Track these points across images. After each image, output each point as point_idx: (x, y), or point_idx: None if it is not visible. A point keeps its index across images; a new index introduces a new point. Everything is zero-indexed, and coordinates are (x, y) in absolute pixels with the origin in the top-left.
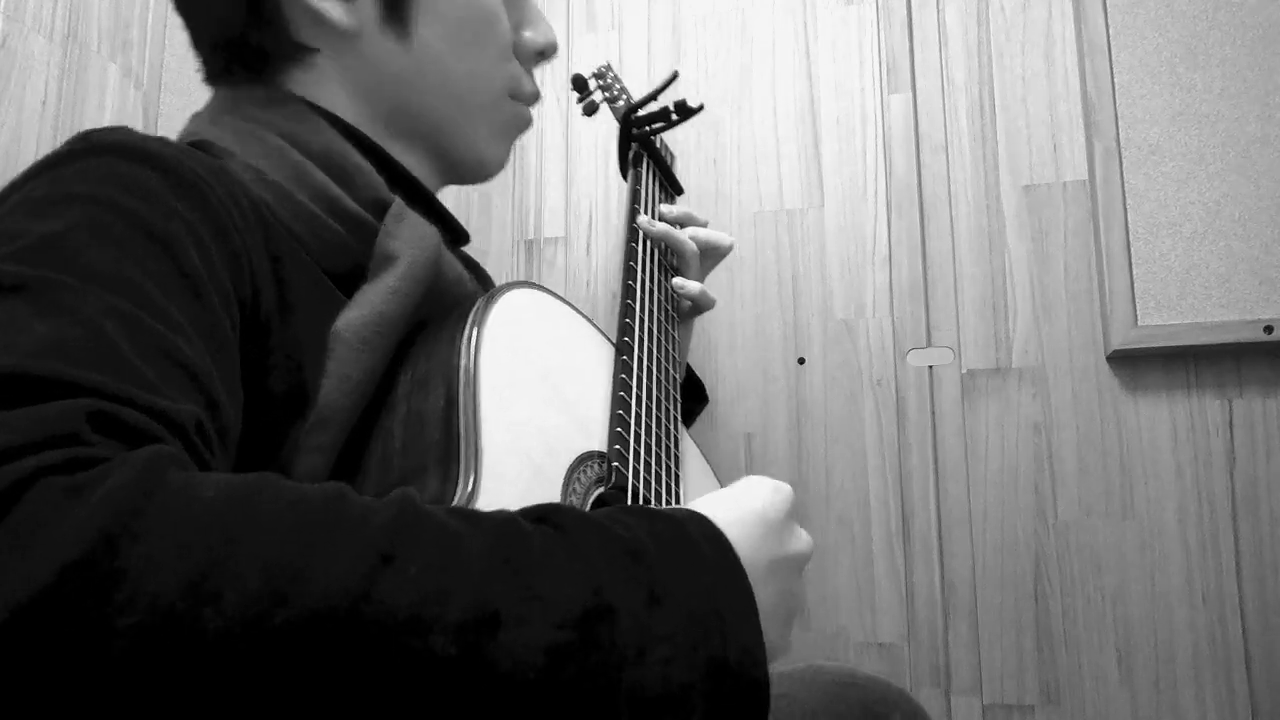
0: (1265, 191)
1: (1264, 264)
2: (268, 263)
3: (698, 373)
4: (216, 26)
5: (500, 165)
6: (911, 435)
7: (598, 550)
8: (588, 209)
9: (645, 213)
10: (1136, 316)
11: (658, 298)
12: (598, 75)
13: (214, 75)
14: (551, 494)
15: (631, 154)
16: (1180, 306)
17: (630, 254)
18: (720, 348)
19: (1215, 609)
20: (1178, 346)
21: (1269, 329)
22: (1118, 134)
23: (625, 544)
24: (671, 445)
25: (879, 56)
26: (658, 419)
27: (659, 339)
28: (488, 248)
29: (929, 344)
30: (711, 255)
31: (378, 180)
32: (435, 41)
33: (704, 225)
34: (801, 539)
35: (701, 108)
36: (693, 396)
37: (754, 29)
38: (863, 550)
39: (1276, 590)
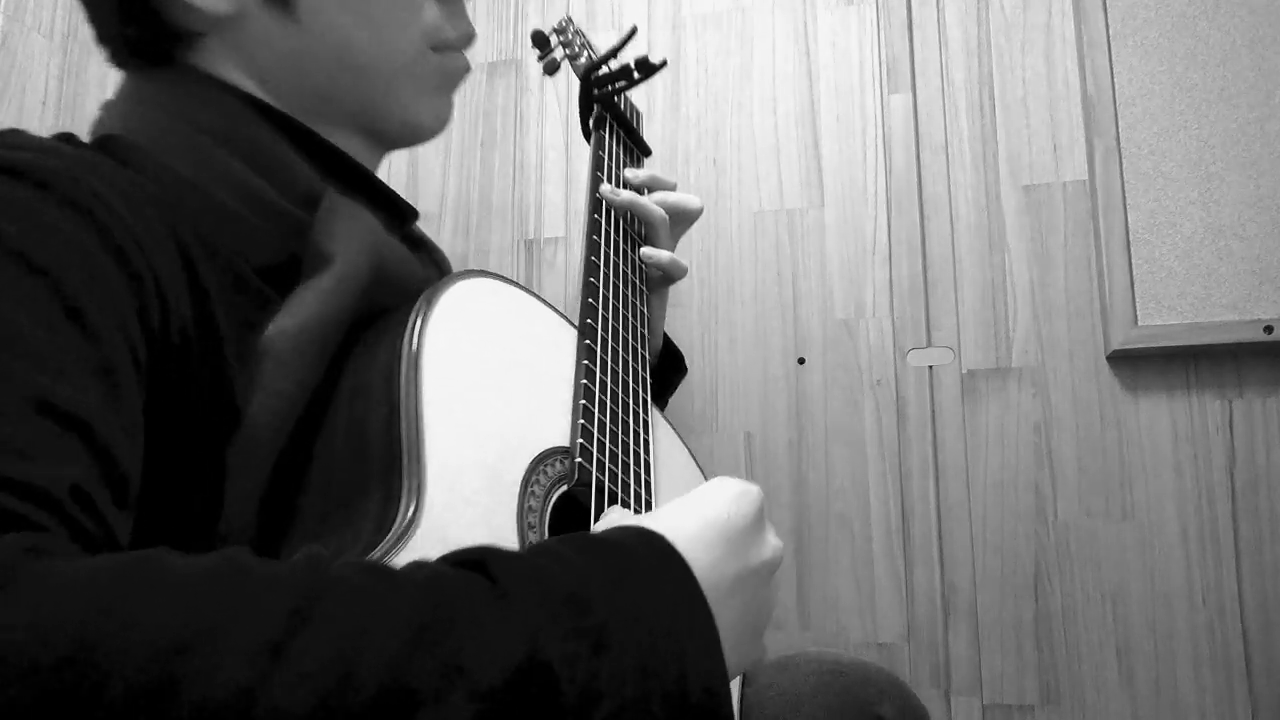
0: (1265, 191)
1: (1264, 264)
2: (181, 276)
3: (694, 369)
4: (95, 17)
5: (441, 122)
6: (911, 435)
7: (534, 601)
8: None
9: (609, 180)
10: (1136, 316)
11: (624, 271)
12: (558, 30)
13: (120, 60)
14: (508, 500)
15: (593, 116)
16: (1180, 306)
17: (593, 226)
18: (720, 347)
19: (1215, 609)
20: (1178, 346)
21: (1269, 329)
22: (1118, 134)
23: (565, 589)
24: (641, 431)
25: (879, 56)
26: (625, 405)
27: (626, 317)
28: (488, 248)
29: (929, 344)
30: (681, 220)
31: (306, 171)
32: (326, 11)
33: (672, 187)
34: (769, 545)
35: (664, 63)
36: (671, 367)
37: (754, 29)
38: (863, 550)
39: (1276, 590)
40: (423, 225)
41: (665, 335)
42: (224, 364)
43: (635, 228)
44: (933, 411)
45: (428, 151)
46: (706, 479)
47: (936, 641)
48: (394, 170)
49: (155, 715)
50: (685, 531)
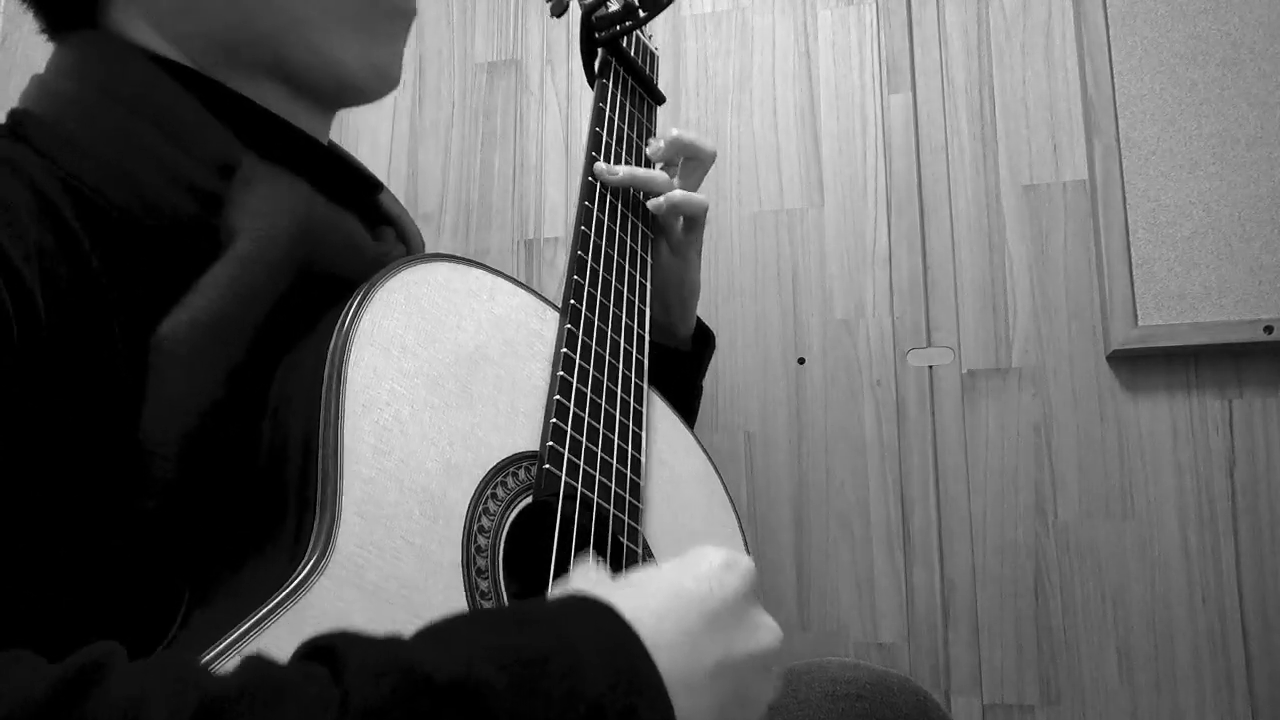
0: (1265, 191)
1: (1264, 264)
2: (63, 268)
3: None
4: None
5: (380, 70)
6: (911, 435)
7: (388, 695)
8: None
9: (609, 135)
10: (1136, 316)
11: (621, 240)
12: None
13: (49, 30)
14: (450, 522)
15: (597, 61)
16: (1180, 306)
17: (587, 190)
18: (720, 347)
19: (1215, 609)
20: (1178, 346)
21: (1269, 329)
22: (1118, 134)
23: (445, 684)
24: (630, 424)
25: (879, 57)
26: (613, 397)
27: (620, 291)
28: (488, 248)
29: (929, 344)
30: (695, 168)
31: (221, 135)
32: None
33: (691, 142)
34: (763, 631)
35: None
36: (701, 340)
37: (754, 29)
38: (863, 550)
39: (1276, 590)
40: (422, 225)
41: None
42: (113, 344)
43: (643, 194)
44: (933, 411)
45: (428, 151)
46: (722, 480)
47: (936, 641)
48: (394, 170)
49: None
50: (648, 607)
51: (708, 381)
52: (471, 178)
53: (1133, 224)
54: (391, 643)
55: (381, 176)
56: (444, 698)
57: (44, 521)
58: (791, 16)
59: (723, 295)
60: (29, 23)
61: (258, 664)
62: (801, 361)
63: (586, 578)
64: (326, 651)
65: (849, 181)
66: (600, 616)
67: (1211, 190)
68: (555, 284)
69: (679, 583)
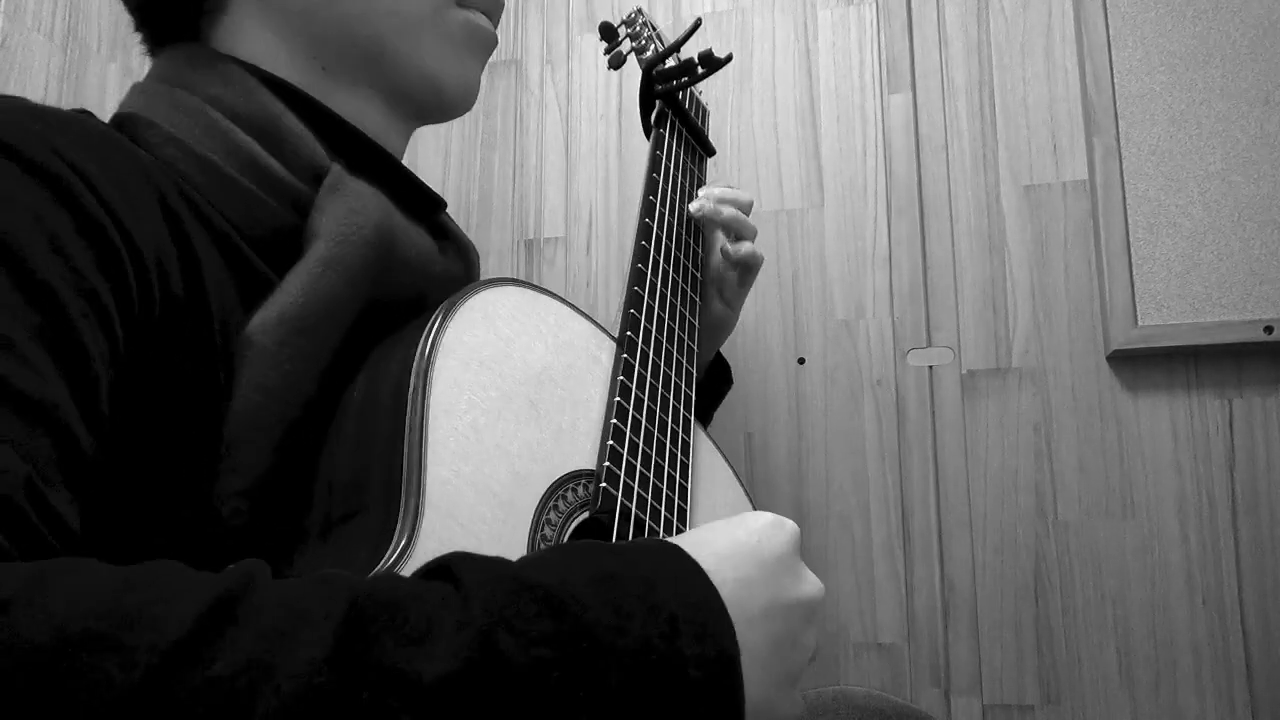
0: (1265, 191)
1: (1264, 264)
2: (170, 249)
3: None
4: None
5: (466, 89)
6: (911, 435)
7: (502, 597)
8: (588, 209)
9: (665, 181)
10: (1136, 316)
11: (674, 280)
12: (627, 23)
13: (151, 44)
14: (518, 527)
15: (655, 113)
16: (1180, 306)
17: (644, 231)
18: (720, 347)
19: (1215, 609)
20: (1178, 346)
21: (1269, 329)
22: (1118, 134)
23: (545, 592)
24: (680, 454)
25: (879, 56)
26: (664, 425)
27: (673, 329)
28: (488, 248)
29: (929, 344)
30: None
31: (313, 145)
32: None
33: (747, 205)
34: (808, 582)
35: (730, 58)
36: (720, 378)
37: (754, 29)
38: (863, 550)
39: (1276, 590)
40: None
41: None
42: (215, 353)
43: (691, 235)
44: (933, 411)
45: (428, 151)
46: (752, 503)
47: (936, 641)
48: None
49: (61, 702)
50: (710, 549)
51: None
52: (471, 178)
53: (1133, 224)
54: (499, 560)
55: None
56: (544, 601)
57: (132, 508)
58: (791, 16)
59: None
60: (29, 23)
61: (390, 574)
62: (801, 362)
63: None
64: (444, 568)
65: (849, 181)
66: (670, 554)
67: (1211, 190)
68: (555, 284)
69: (733, 534)
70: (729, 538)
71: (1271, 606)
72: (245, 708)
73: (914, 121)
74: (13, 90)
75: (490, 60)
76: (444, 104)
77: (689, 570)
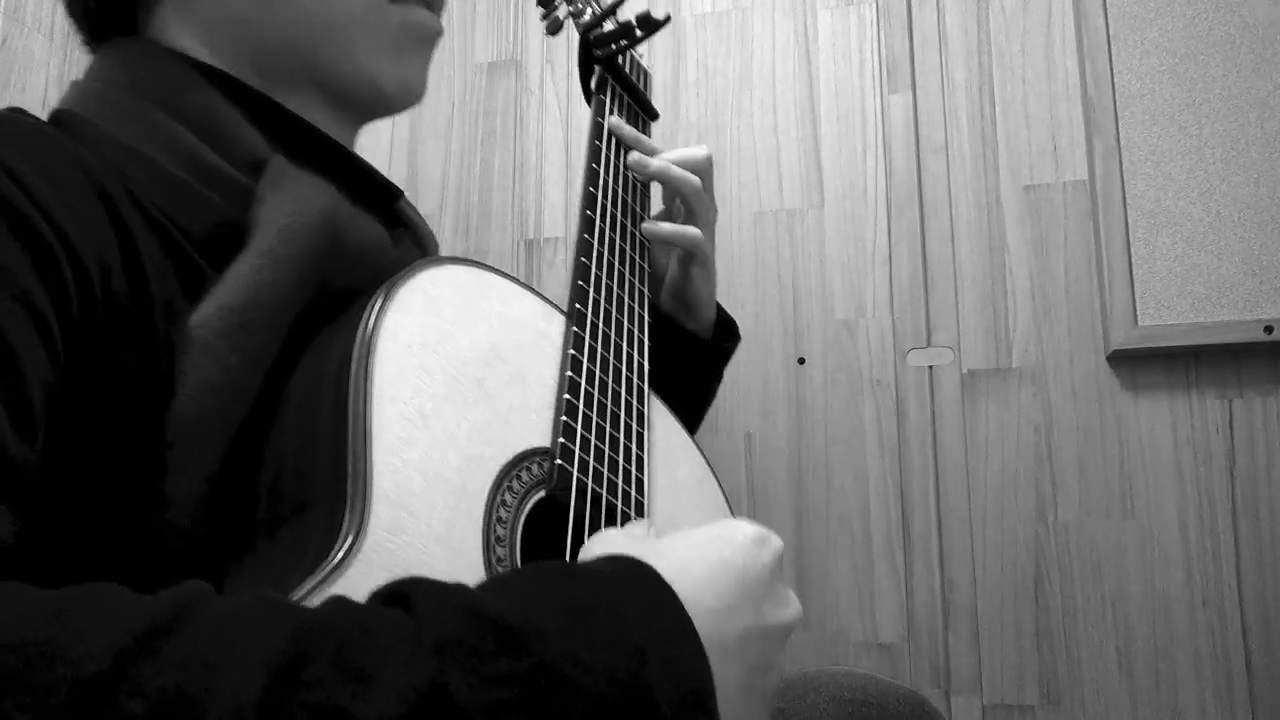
0: (1265, 191)
1: (1264, 264)
2: (112, 244)
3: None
4: None
5: (407, 86)
6: (911, 435)
7: (458, 631)
8: None
9: (609, 148)
10: (1136, 316)
11: (623, 249)
12: None
13: (90, 40)
14: (471, 510)
15: (594, 78)
16: (1180, 306)
17: (588, 200)
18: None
19: (1215, 609)
20: (1178, 346)
21: (1269, 329)
22: (1118, 134)
23: (504, 625)
24: (634, 424)
25: (879, 56)
26: (618, 398)
27: (621, 298)
28: (488, 248)
29: (929, 344)
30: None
31: (252, 136)
32: None
33: (696, 162)
34: (788, 605)
35: (668, 19)
36: (725, 335)
37: (754, 29)
38: (863, 550)
39: (1276, 590)
40: None
41: (718, 304)
42: (157, 348)
43: (638, 201)
44: (933, 411)
45: (428, 151)
46: (716, 478)
47: (936, 641)
48: (394, 170)
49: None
50: (688, 571)
51: None
52: (472, 178)
53: (1133, 224)
54: (461, 588)
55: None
56: (504, 636)
57: (75, 513)
58: (791, 16)
59: (723, 295)
60: (29, 23)
61: (340, 601)
62: (801, 362)
63: (611, 543)
64: (402, 596)
65: (849, 181)
66: (643, 578)
67: (1211, 190)
68: (556, 283)
69: (717, 552)
70: (711, 558)
71: (1271, 606)
72: None
73: (914, 121)
74: (13, 90)
75: (490, 60)
76: (386, 103)
77: (661, 599)
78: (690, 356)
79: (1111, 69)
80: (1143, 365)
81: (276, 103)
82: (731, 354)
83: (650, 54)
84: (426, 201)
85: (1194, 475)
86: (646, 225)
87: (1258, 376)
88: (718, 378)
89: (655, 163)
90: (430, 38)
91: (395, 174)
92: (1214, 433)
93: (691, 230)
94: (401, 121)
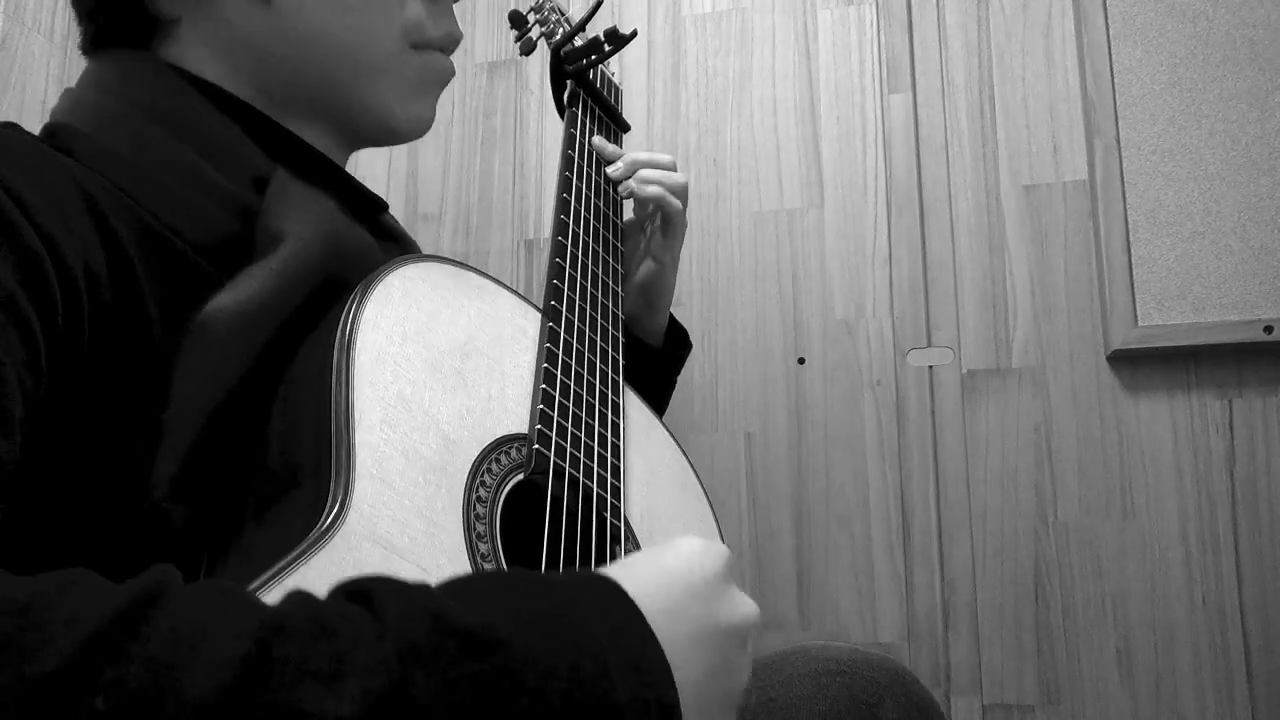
0: (1265, 191)
1: (1264, 264)
2: (99, 254)
3: (694, 369)
4: (77, 2)
5: (419, 124)
6: (911, 435)
7: (422, 634)
8: None
9: (581, 158)
10: (1136, 316)
11: (595, 250)
12: (535, 9)
13: (88, 45)
14: (451, 490)
15: (566, 93)
16: (1180, 306)
17: (562, 205)
18: (720, 348)
19: (1215, 609)
20: (1178, 346)
21: (1269, 329)
22: (1118, 134)
23: (467, 629)
24: (610, 414)
25: (879, 56)
26: (592, 388)
27: (595, 295)
28: (488, 248)
29: (929, 344)
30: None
31: (255, 155)
32: None
33: (665, 166)
34: (741, 605)
35: (634, 34)
36: (678, 342)
37: (754, 29)
38: (863, 550)
39: (1276, 590)
40: (422, 226)
41: (670, 314)
42: (152, 341)
43: (610, 207)
44: (933, 411)
45: (428, 151)
46: (689, 461)
47: (936, 641)
48: (394, 170)
49: None
50: (639, 579)
51: (707, 381)
52: (472, 178)
53: (1133, 224)
54: (423, 589)
55: (382, 177)
56: (467, 643)
57: (60, 511)
58: (791, 16)
59: (723, 295)
60: (29, 23)
61: (303, 597)
62: (801, 362)
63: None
64: (364, 594)
65: (849, 181)
66: (598, 582)
67: (1211, 190)
68: None
69: (661, 561)
70: (655, 566)
71: (1271, 606)
72: None
73: (914, 121)
74: (13, 90)
75: (490, 60)
76: (395, 137)
77: (616, 600)
78: (644, 360)
79: (1111, 69)
80: (1143, 365)
81: (276, 122)
82: (684, 361)
83: (650, 52)
84: (427, 202)
85: (1194, 475)
86: (632, 184)
87: (1258, 376)
88: (671, 385)
89: (653, 189)
90: (446, 79)
91: (395, 174)
92: (1214, 433)
93: (678, 177)
94: None
